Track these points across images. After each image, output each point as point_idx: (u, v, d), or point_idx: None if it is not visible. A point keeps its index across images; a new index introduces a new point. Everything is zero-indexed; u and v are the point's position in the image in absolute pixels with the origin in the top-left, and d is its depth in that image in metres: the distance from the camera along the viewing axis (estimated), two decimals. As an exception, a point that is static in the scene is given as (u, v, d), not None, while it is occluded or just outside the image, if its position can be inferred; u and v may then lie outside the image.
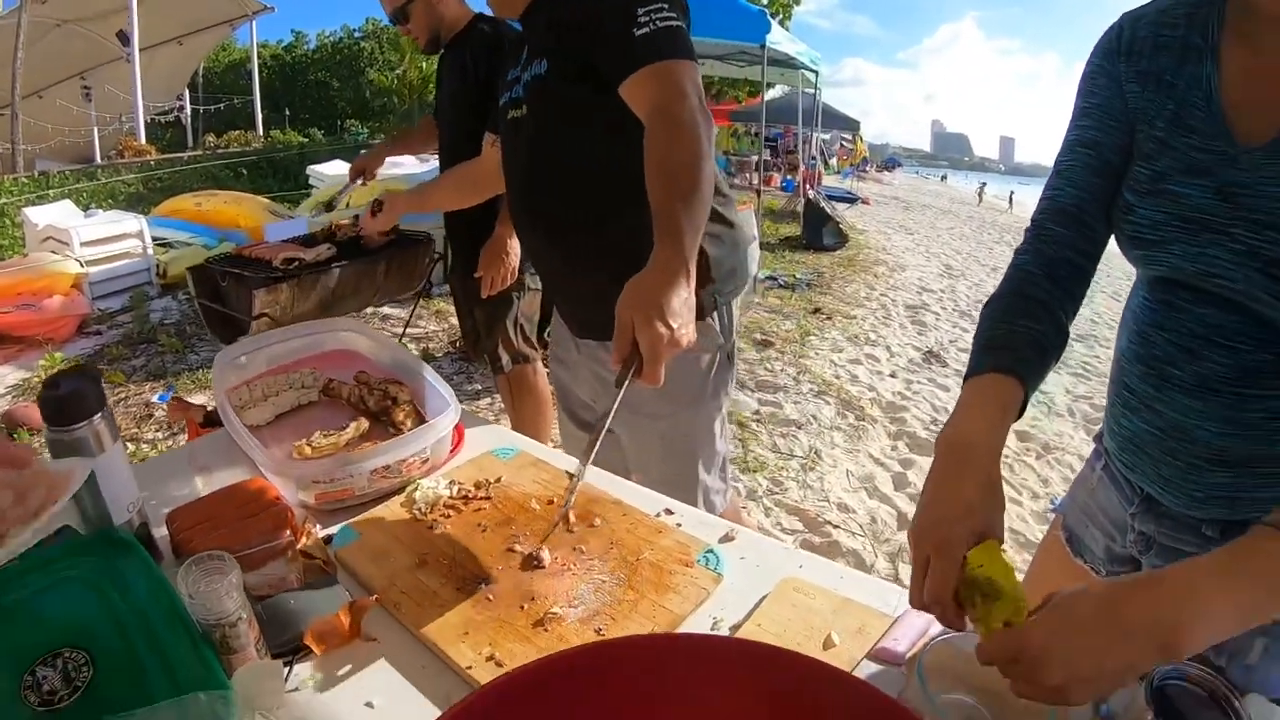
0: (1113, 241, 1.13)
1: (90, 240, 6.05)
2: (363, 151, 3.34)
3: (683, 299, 1.14)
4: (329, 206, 3.00)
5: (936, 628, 1.03)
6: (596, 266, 1.58)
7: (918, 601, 0.89)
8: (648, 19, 1.33)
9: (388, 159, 3.49)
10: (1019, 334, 1.03)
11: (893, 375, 5.73)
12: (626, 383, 1.11)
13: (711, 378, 1.69)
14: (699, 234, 1.24)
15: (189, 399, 3.59)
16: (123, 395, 4.39)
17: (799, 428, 4.45)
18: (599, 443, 1.14)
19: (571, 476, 1.22)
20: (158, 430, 3.97)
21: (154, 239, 6.70)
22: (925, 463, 4.09)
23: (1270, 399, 0.99)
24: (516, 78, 1.60)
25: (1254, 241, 0.92)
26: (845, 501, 3.66)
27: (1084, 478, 1.38)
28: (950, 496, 0.91)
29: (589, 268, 1.60)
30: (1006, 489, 3.94)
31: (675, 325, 1.10)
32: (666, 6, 1.35)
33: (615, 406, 1.14)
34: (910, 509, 3.59)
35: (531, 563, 1.16)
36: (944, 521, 0.89)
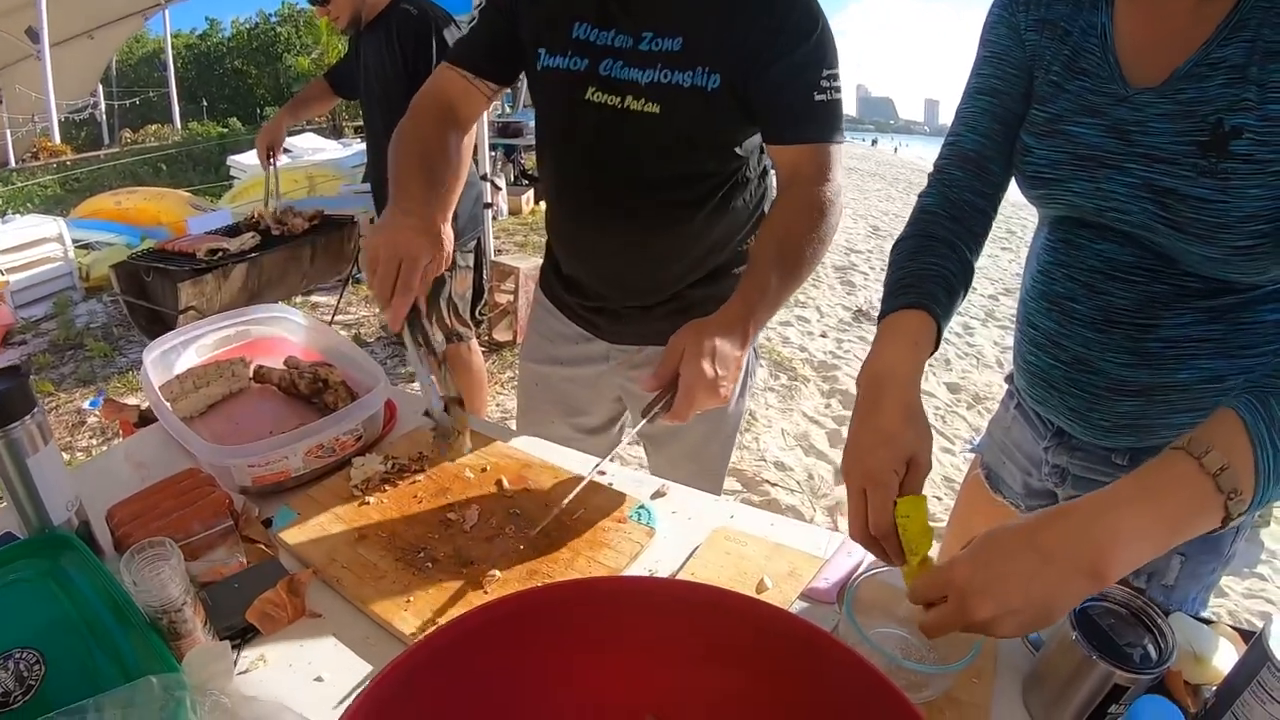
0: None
1: (8, 248, 5.82)
2: (265, 123, 3.25)
3: (736, 355, 1.14)
4: (278, 223, 2.92)
5: (864, 564, 1.08)
6: (672, 276, 1.56)
7: (859, 535, 0.92)
8: (828, 86, 1.29)
9: (309, 143, 3.44)
10: (927, 272, 1.07)
11: (823, 335, 5.81)
12: (655, 413, 1.13)
13: (744, 377, 1.70)
14: (776, 310, 1.25)
15: (121, 400, 3.52)
16: (53, 404, 4.28)
17: (732, 389, 4.50)
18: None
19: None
20: (92, 437, 3.89)
21: (74, 242, 6.48)
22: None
23: (1168, 329, 1.04)
24: (605, 49, 1.36)
25: (1147, 174, 0.96)
26: (782, 460, 3.72)
27: (999, 417, 1.43)
28: (873, 428, 0.94)
29: (660, 274, 1.56)
30: (939, 439, 4.04)
31: (721, 373, 1.11)
32: (839, 75, 1.31)
33: (637, 430, 1.18)
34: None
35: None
36: (869, 452, 0.92)
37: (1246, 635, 0.97)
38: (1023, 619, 0.77)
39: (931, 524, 0.90)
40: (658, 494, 1.31)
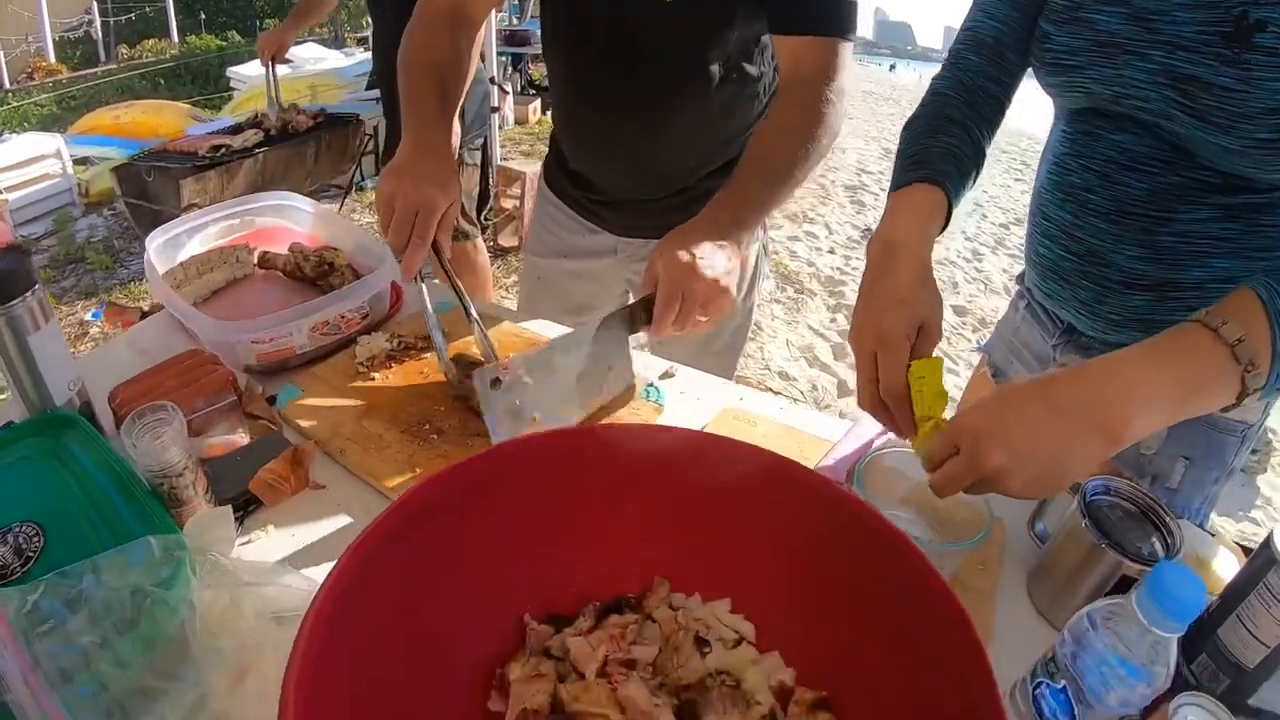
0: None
1: (7, 166, 5.74)
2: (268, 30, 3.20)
3: (722, 250, 1.09)
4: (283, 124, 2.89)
5: (873, 447, 1.07)
6: (682, 169, 1.51)
7: (868, 401, 0.91)
8: None
9: (311, 53, 3.38)
10: (939, 149, 1.05)
11: (831, 251, 5.79)
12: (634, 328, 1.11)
13: (754, 269, 1.67)
14: (765, 211, 1.20)
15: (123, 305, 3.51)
16: (56, 317, 4.27)
17: (739, 298, 4.51)
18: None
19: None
20: (95, 348, 3.89)
21: (73, 158, 6.41)
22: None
23: (1182, 223, 1.02)
24: None
25: (1168, 61, 0.94)
26: (786, 370, 3.74)
27: (1008, 318, 1.43)
28: (885, 290, 0.92)
29: (670, 167, 1.52)
30: (944, 360, 4.08)
31: (701, 258, 1.05)
32: None
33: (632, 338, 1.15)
34: (849, 378, 3.66)
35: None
36: (881, 314, 0.90)
37: (1247, 552, 0.97)
38: (1034, 471, 0.76)
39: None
40: (666, 375, 1.31)
